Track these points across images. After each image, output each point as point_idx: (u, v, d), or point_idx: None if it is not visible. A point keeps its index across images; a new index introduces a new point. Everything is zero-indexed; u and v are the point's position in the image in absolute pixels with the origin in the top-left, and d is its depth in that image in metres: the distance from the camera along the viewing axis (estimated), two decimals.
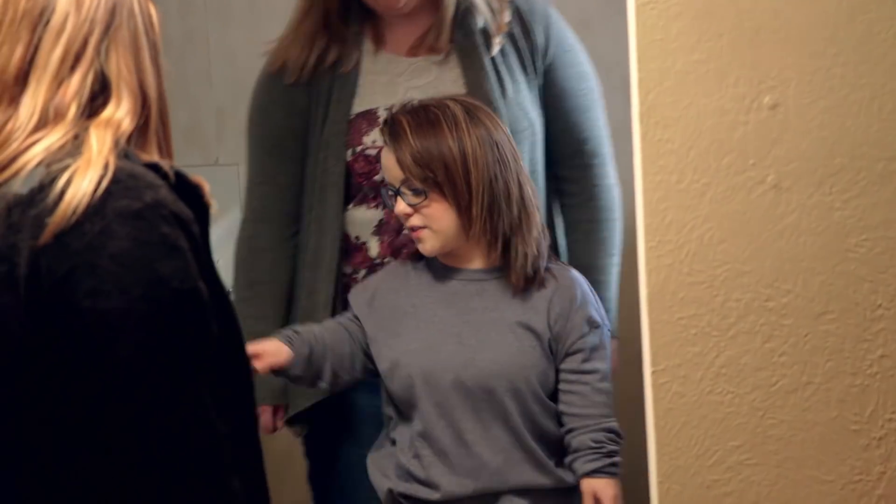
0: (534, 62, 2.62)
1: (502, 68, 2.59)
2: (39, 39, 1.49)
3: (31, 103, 1.48)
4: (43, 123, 1.47)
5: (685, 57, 1.78)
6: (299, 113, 2.65)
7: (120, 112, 1.50)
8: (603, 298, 2.54)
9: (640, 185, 1.82)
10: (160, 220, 1.43)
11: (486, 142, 2.33)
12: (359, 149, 2.59)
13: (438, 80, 2.59)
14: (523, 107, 2.58)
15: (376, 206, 2.59)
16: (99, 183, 1.42)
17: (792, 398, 1.83)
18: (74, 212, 1.40)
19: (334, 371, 2.45)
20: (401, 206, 2.38)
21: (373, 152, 2.59)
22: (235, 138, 3.22)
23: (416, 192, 2.35)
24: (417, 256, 2.46)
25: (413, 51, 2.63)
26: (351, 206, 2.63)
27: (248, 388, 1.60)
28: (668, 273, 1.82)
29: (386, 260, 2.59)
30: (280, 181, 2.68)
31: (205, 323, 1.46)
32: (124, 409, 1.41)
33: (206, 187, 1.55)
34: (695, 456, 1.85)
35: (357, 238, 2.63)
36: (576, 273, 2.44)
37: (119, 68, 1.52)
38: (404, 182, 2.36)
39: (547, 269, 2.40)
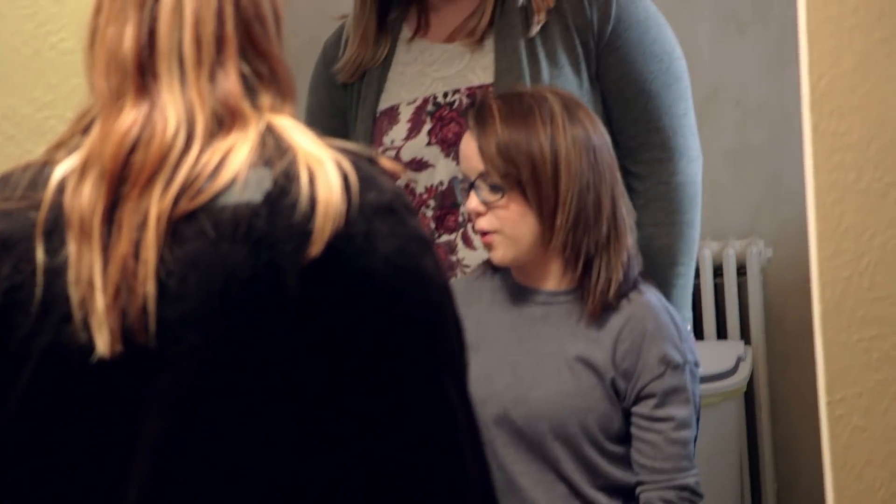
0: (585, 43, 2.42)
1: (541, 51, 2.45)
2: (154, 20, 1.36)
3: (177, 100, 1.34)
4: (219, 126, 1.35)
5: (865, 35, 1.73)
6: (339, 114, 2.59)
7: (278, 99, 1.38)
8: None
9: (812, 186, 1.76)
10: (405, 210, 1.33)
11: (582, 145, 2.19)
12: (379, 150, 2.51)
13: (468, 67, 2.48)
14: None
15: None
16: (344, 177, 1.29)
17: None
18: (337, 213, 1.28)
19: None
20: (473, 203, 2.20)
21: (392, 153, 2.50)
22: None
23: (494, 189, 2.20)
24: (496, 267, 2.32)
25: (452, 35, 2.51)
26: None
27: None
28: (846, 287, 1.76)
29: None
30: None
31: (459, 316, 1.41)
32: (409, 412, 1.34)
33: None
34: (880, 501, 1.77)
35: None
36: (654, 300, 2.27)
37: (258, 45, 1.38)
38: (482, 175, 2.19)
39: (624, 295, 2.23)
